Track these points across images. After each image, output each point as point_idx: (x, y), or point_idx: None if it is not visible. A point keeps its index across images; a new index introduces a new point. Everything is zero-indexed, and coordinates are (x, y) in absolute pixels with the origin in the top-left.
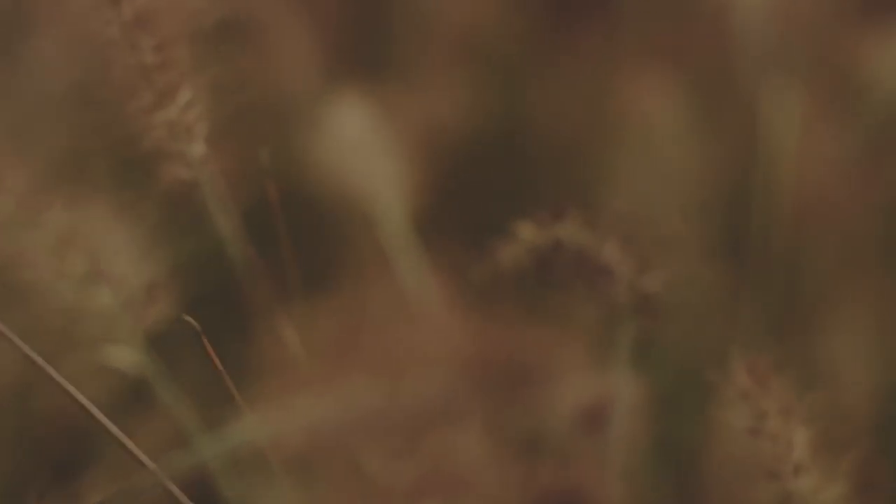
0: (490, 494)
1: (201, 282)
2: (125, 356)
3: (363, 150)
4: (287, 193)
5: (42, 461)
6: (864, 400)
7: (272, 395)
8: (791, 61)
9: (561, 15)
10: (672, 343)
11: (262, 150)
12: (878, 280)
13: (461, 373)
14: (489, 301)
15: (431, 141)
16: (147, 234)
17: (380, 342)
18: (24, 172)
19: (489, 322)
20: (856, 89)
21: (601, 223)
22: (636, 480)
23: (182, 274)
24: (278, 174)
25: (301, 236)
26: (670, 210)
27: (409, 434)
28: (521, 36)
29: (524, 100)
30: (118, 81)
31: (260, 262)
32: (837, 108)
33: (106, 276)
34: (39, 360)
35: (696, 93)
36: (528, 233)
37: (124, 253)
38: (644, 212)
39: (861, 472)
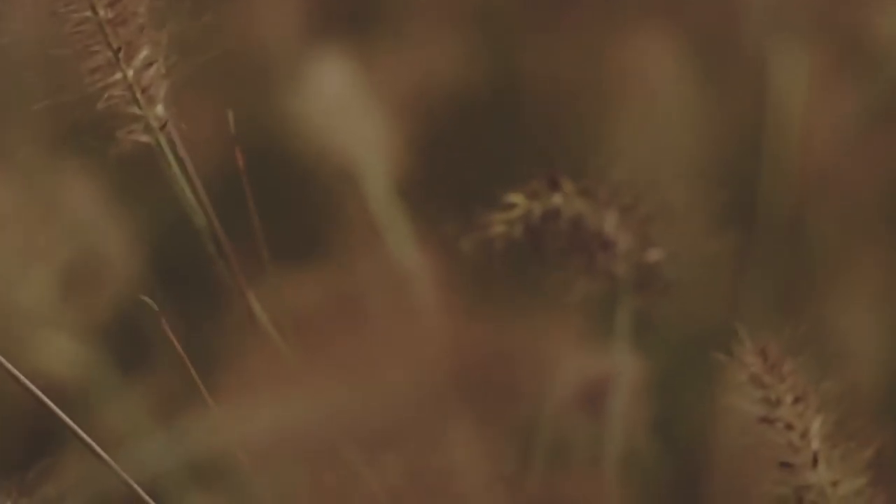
0: (479, 496)
1: (163, 258)
2: (65, 349)
3: (346, 111)
4: (264, 158)
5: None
6: (877, 380)
7: (242, 385)
8: (798, 20)
9: None
10: (675, 320)
11: (228, 113)
12: (890, 249)
13: (450, 364)
14: (480, 275)
15: (420, 102)
16: (102, 204)
17: (362, 327)
18: None
19: (479, 300)
20: (865, 49)
21: (599, 192)
22: (636, 467)
23: (142, 249)
24: (256, 137)
25: (278, 205)
26: (673, 178)
27: (393, 431)
28: None
29: (518, 59)
30: (71, 38)
31: (228, 236)
32: (846, 69)
33: (48, 256)
34: None
35: (699, 53)
36: (521, 201)
37: (74, 228)
38: (645, 180)
39: (879, 461)
